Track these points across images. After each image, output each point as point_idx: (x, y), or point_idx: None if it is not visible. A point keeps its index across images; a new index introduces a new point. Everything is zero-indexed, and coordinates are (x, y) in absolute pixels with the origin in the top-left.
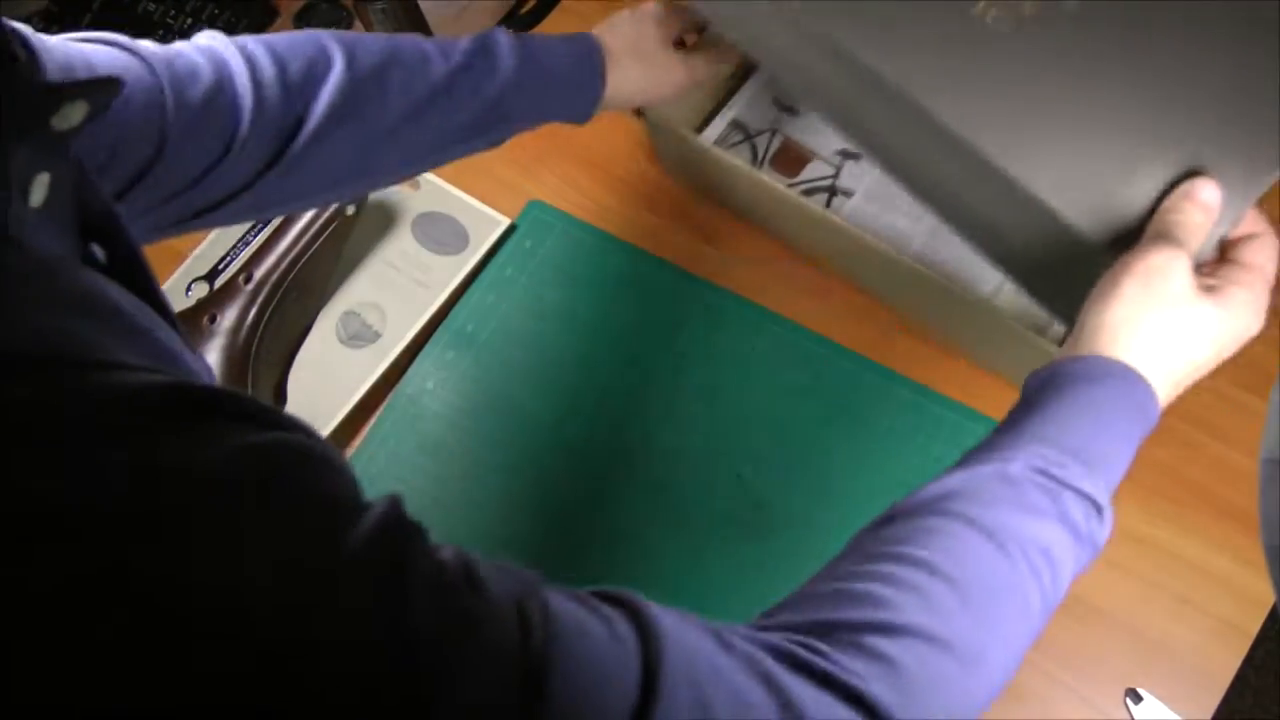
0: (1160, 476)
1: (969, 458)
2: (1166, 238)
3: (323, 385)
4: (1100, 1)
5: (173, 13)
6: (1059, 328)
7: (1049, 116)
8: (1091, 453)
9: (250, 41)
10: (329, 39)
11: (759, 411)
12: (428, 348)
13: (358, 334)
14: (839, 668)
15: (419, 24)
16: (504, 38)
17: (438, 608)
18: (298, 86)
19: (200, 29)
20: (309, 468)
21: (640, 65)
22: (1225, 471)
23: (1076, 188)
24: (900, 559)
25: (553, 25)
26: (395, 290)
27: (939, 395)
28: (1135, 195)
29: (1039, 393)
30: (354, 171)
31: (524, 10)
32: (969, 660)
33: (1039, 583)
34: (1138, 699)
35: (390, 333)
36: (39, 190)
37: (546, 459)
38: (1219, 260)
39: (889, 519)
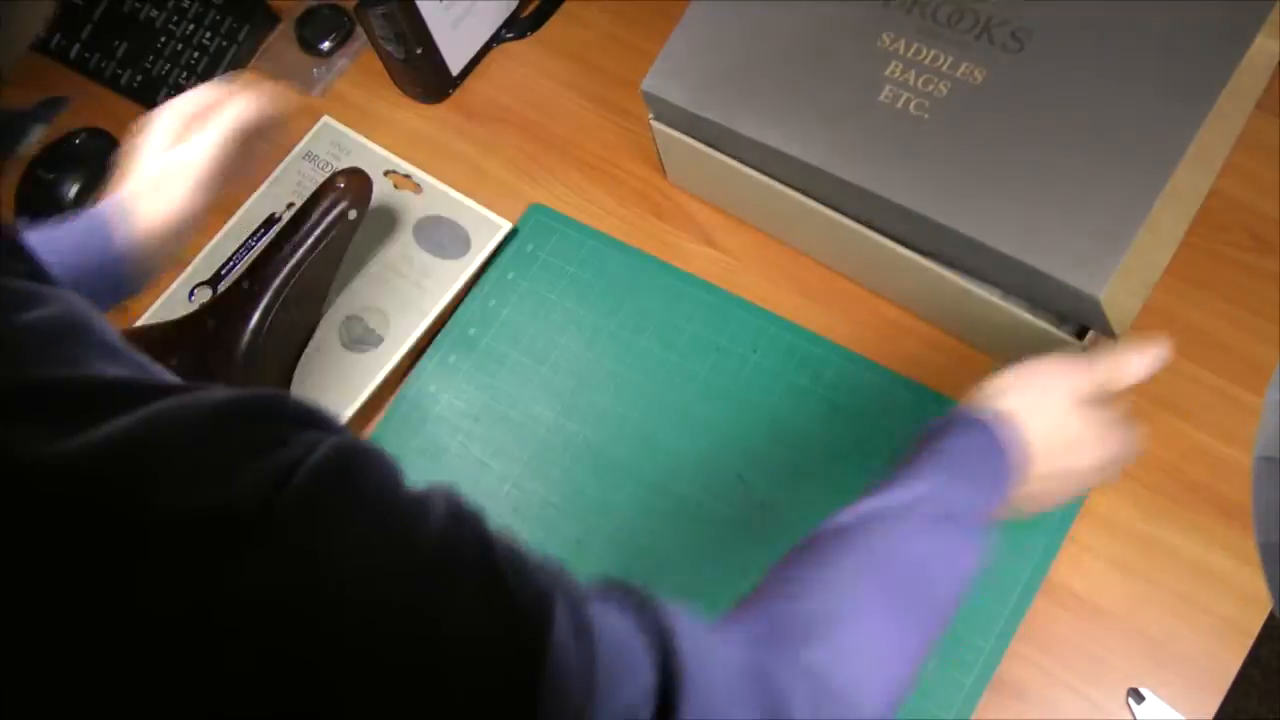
0: (1162, 476)
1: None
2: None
3: (325, 389)
4: (1003, 69)
5: (175, 20)
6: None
7: (985, 177)
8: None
9: None
10: None
11: (760, 413)
12: (430, 351)
13: (360, 338)
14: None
15: (419, 28)
16: None
17: (523, 587)
18: None
19: (202, 35)
20: (374, 465)
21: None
22: (1227, 470)
23: (1017, 229)
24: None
25: (555, 29)
26: (397, 294)
27: (940, 396)
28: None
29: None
30: None
31: (525, 14)
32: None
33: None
34: (1140, 698)
35: (392, 337)
36: None
37: (548, 462)
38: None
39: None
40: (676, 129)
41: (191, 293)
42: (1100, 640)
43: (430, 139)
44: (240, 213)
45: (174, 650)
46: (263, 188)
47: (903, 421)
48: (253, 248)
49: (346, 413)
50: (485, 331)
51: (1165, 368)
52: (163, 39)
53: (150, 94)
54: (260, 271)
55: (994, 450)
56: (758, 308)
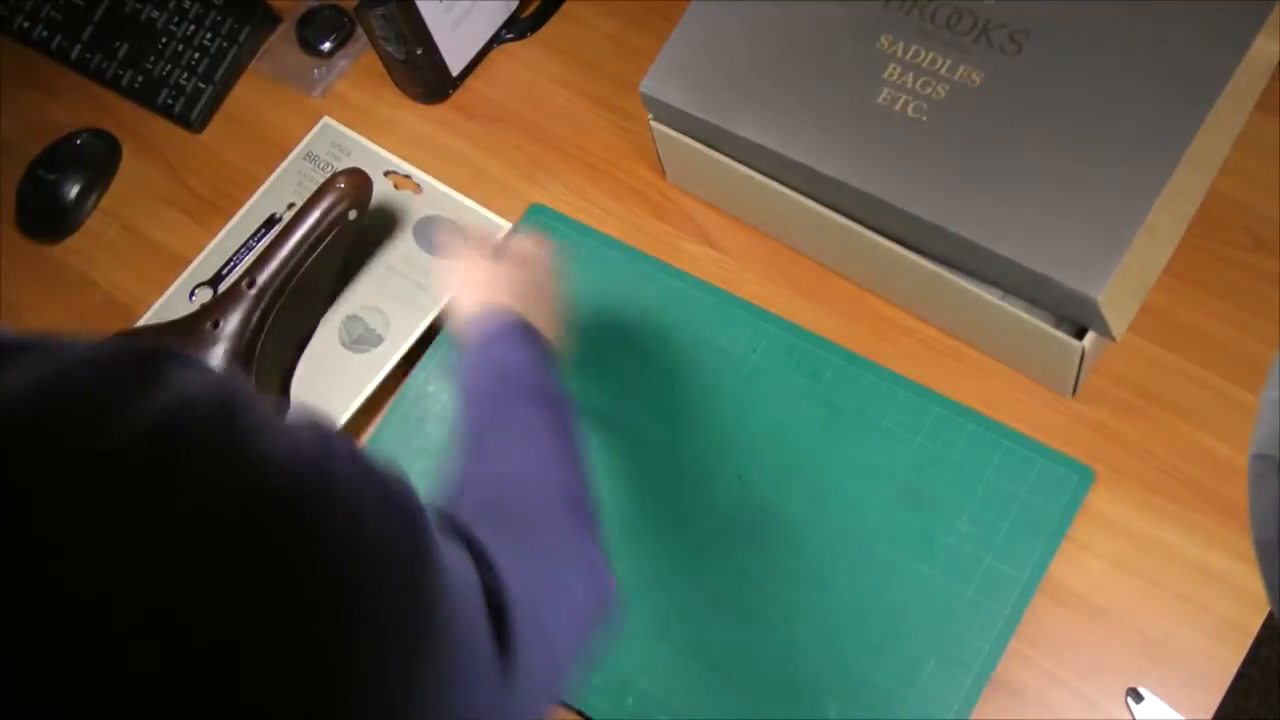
0: (1160, 475)
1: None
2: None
3: (326, 389)
4: (1001, 71)
5: (176, 21)
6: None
7: (983, 180)
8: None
9: None
10: None
11: (760, 413)
12: (430, 351)
13: (360, 338)
14: None
15: (419, 29)
16: None
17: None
18: None
19: (203, 36)
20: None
21: None
22: (1225, 470)
23: (1015, 230)
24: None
25: (555, 29)
26: (397, 294)
27: (939, 396)
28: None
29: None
30: None
31: (526, 14)
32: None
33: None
34: (1139, 698)
35: (392, 336)
36: None
37: None
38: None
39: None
40: (676, 130)
41: (192, 293)
42: (1099, 640)
43: (430, 139)
44: (241, 213)
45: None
46: (263, 188)
47: (902, 421)
48: (253, 248)
49: (346, 412)
50: None
51: (1164, 367)
52: (164, 40)
53: (151, 94)
54: (260, 272)
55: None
56: (757, 308)
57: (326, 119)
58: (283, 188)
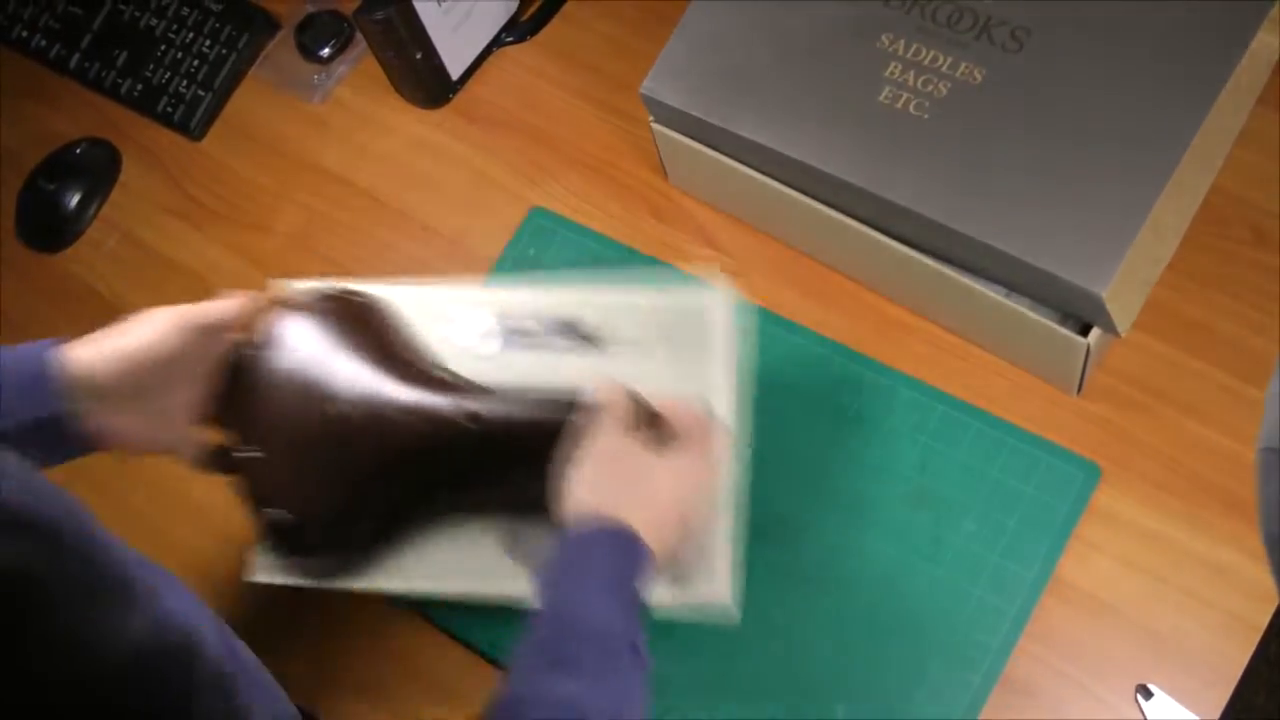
0: (1167, 471)
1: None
2: (598, 418)
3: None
4: (1002, 69)
5: (175, 28)
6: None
7: (986, 177)
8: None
9: None
10: None
11: (764, 415)
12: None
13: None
14: None
15: (419, 33)
16: None
17: None
18: None
19: (202, 43)
20: None
21: (138, 415)
22: (1231, 465)
23: (1019, 228)
24: None
25: (554, 32)
26: None
27: (944, 394)
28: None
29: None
30: None
31: (525, 17)
32: None
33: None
34: (1148, 695)
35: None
36: None
37: None
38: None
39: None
40: (677, 131)
41: (483, 325)
42: (1108, 637)
43: (431, 144)
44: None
45: None
46: None
47: (907, 421)
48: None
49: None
50: None
51: (1169, 363)
52: (163, 47)
53: (151, 103)
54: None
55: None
56: (761, 309)
57: None
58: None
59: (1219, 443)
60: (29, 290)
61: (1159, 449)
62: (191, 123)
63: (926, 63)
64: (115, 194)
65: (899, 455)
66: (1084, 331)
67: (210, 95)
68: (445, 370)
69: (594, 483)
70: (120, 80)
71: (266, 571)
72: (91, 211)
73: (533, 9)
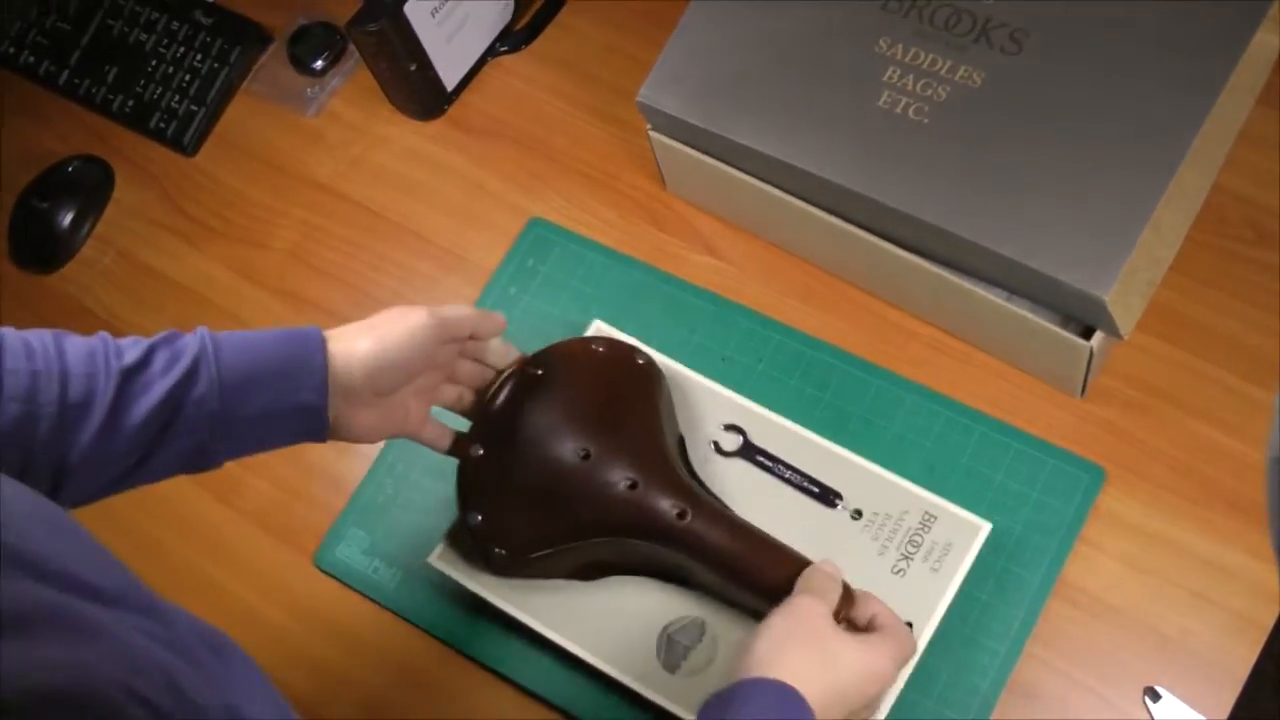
0: (1171, 473)
1: None
2: (807, 591)
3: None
4: (1001, 72)
5: (165, 43)
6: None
7: (987, 181)
8: None
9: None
10: None
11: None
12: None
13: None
14: None
15: (412, 44)
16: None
17: None
18: None
19: (193, 58)
20: None
21: (373, 409)
22: (1236, 466)
23: (1020, 232)
24: None
25: (549, 41)
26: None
27: (947, 399)
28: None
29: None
30: None
31: (520, 26)
32: None
33: None
34: (1156, 697)
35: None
36: None
37: None
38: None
39: None
40: (674, 139)
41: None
42: (1115, 639)
43: (427, 156)
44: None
45: None
46: None
47: (911, 426)
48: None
49: None
50: None
51: (1172, 364)
52: (153, 63)
53: (143, 119)
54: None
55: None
56: (762, 316)
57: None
58: None
59: (1224, 443)
60: (23, 311)
61: (1163, 450)
62: (184, 138)
63: (925, 66)
64: (109, 212)
65: (903, 461)
66: (1086, 334)
67: (203, 110)
68: (691, 470)
69: (783, 645)
70: (111, 96)
71: (442, 562)
72: (85, 230)
73: (527, 18)
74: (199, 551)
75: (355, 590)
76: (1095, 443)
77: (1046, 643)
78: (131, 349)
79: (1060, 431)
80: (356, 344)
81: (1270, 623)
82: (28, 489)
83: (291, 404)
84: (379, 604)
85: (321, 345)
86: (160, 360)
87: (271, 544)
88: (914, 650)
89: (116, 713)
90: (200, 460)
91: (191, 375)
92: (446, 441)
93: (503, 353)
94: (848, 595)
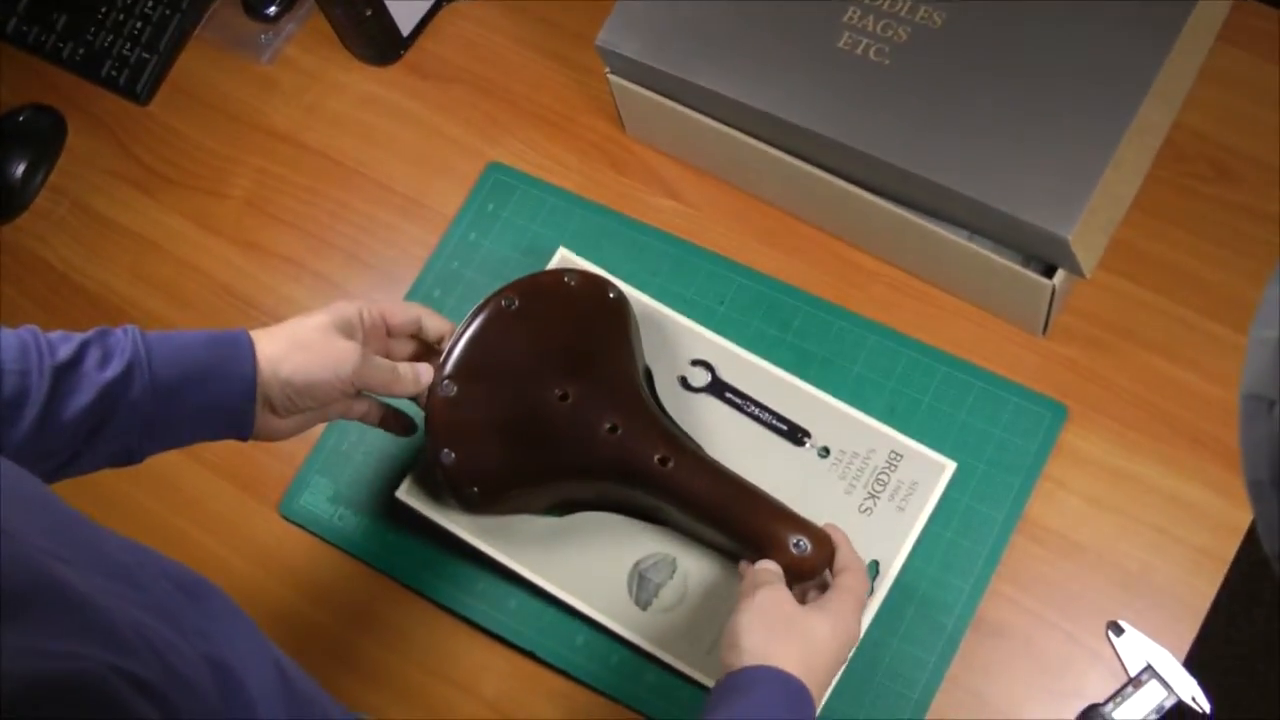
0: (1133, 409)
1: None
2: (761, 584)
3: None
4: (962, 12)
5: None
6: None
7: (949, 122)
8: None
9: None
10: None
11: None
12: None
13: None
14: None
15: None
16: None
17: None
18: None
19: (144, 4)
20: None
21: (291, 417)
22: (1197, 401)
23: (983, 172)
24: None
25: None
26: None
27: (910, 339)
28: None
29: (717, 704)
30: None
31: None
32: None
33: None
34: (1119, 631)
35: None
36: None
37: None
38: (821, 594)
39: None
40: (634, 82)
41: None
42: (1078, 576)
43: (384, 102)
44: None
45: None
46: None
47: (874, 366)
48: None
49: None
50: (450, 293)
51: (1133, 302)
52: (103, 9)
53: (94, 67)
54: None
55: (773, 694)
56: (723, 258)
57: None
58: None
59: (1185, 379)
60: None
61: (1125, 388)
62: (137, 87)
63: (885, 7)
64: (62, 162)
65: (866, 401)
66: (1048, 273)
67: (155, 58)
68: (662, 408)
69: (767, 642)
70: (61, 44)
71: (410, 495)
72: (38, 180)
73: None
74: (163, 504)
75: (321, 538)
76: (1058, 381)
77: (1011, 580)
78: (63, 345)
79: (1023, 370)
80: (281, 364)
81: (1230, 556)
82: (4, 460)
83: (221, 407)
84: (345, 551)
85: (251, 351)
86: (92, 358)
87: (236, 494)
88: (867, 587)
89: (110, 699)
90: (126, 457)
91: (126, 377)
92: (375, 417)
93: (440, 328)
94: (803, 572)
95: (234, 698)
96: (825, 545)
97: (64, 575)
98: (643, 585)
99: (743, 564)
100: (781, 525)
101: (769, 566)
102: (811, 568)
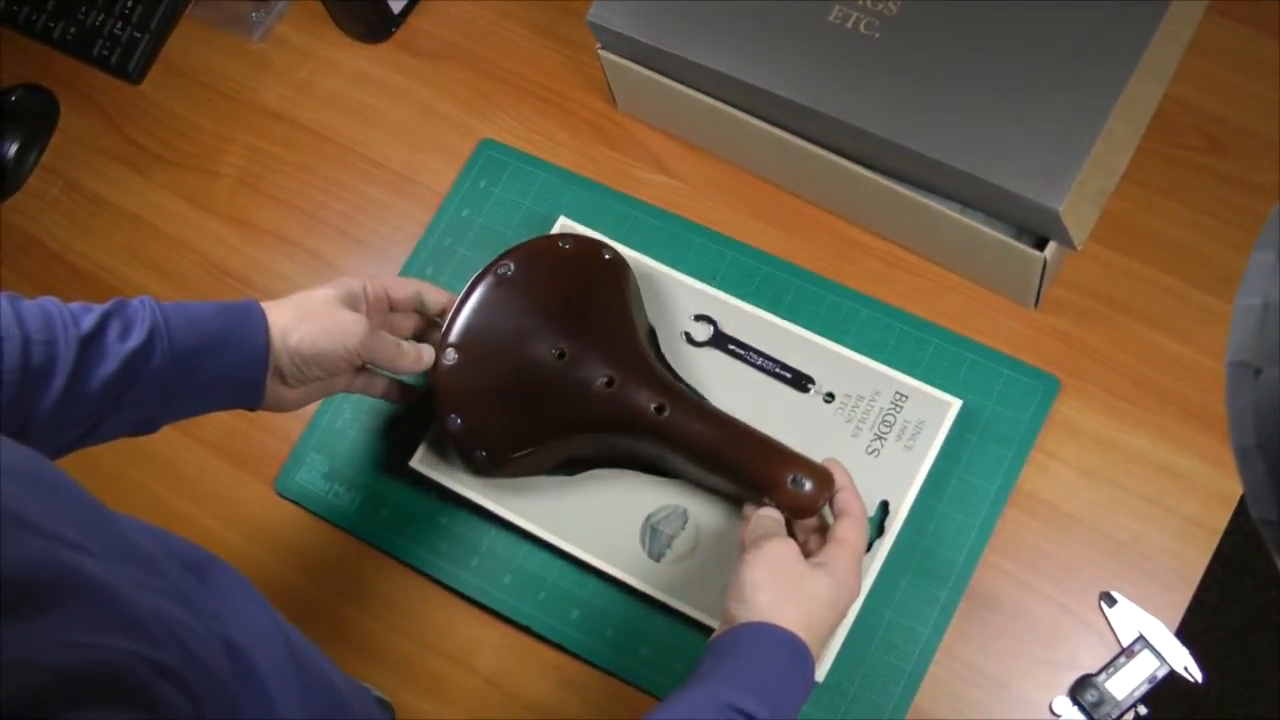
0: (1125, 381)
1: (677, 697)
2: (769, 536)
3: None
4: None
5: None
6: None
7: (939, 95)
8: (770, 693)
9: None
10: None
11: None
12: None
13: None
14: None
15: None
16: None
17: None
18: None
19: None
20: None
21: (299, 387)
22: (1189, 373)
23: (974, 144)
24: None
25: None
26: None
27: (903, 313)
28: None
29: (725, 653)
30: None
31: None
32: None
33: None
34: (1112, 602)
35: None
36: None
37: None
38: (823, 539)
39: None
40: (625, 57)
41: (699, 319)
42: (1070, 546)
43: (376, 79)
44: None
45: None
46: None
47: (867, 340)
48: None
49: None
50: (443, 269)
51: (1125, 273)
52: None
53: (86, 46)
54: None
55: (772, 645)
56: (716, 233)
57: None
58: None
59: (1176, 351)
60: None
61: (1117, 359)
62: (129, 66)
63: None
64: (55, 141)
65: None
66: (1040, 245)
67: (147, 37)
68: (664, 362)
69: (777, 599)
70: (52, 24)
71: (423, 464)
72: (31, 160)
73: None
74: (159, 482)
75: (316, 515)
76: (1050, 353)
77: (1004, 551)
78: (85, 315)
79: (1015, 342)
80: (290, 334)
81: (1221, 526)
82: (16, 443)
83: (235, 375)
84: (340, 527)
85: (263, 320)
86: (114, 329)
87: (232, 472)
88: (866, 539)
89: (139, 689)
90: (145, 425)
91: (147, 347)
92: (378, 389)
93: (441, 302)
94: (801, 508)
95: (247, 678)
96: (825, 481)
97: (86, 565)
98: (655, 538)
99: (746, 508)
100: (779, 462)
101: (771, 514)
102: (810, 505)
